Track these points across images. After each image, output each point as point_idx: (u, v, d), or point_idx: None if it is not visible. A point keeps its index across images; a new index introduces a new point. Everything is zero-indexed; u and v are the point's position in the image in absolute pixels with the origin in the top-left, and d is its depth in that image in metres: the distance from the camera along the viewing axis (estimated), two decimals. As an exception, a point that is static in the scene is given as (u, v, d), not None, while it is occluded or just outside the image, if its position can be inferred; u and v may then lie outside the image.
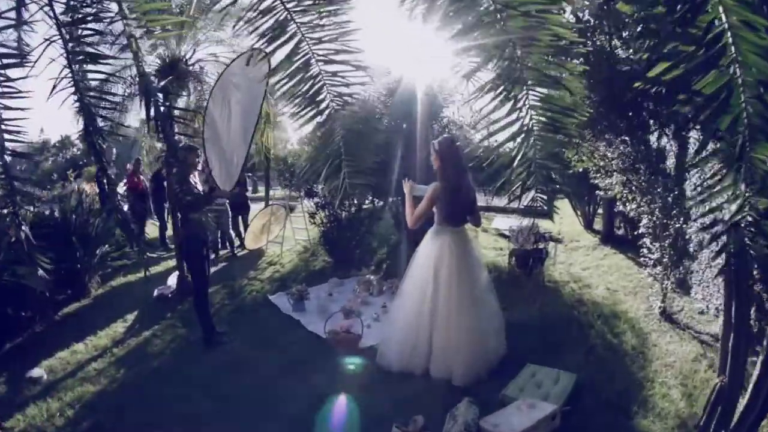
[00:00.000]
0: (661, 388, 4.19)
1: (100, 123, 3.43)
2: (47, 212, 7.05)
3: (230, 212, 9.86)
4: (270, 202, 11.73)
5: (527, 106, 1.92)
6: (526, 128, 2.01)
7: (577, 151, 5.98)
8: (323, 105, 2.85)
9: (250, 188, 22.04)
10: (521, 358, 4.55)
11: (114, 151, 9.87)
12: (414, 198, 4.52)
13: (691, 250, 5.74)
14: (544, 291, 6.84)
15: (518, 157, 2.03)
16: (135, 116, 9.24)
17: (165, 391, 4.43)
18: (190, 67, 7.73)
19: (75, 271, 6.75)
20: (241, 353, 5.11)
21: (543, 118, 1.99)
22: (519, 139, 2.07)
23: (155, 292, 6.87)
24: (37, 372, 4.81)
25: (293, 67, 2.59)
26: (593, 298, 6.47)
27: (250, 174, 22.25)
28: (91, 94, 3.37)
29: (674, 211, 5.28)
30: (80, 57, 2.97)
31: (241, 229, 10.34)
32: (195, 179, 5.27)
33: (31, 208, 6.61)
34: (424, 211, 4.41)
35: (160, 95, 3.43)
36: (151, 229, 11.82)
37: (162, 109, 3.29)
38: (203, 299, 5.33)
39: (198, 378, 4.64)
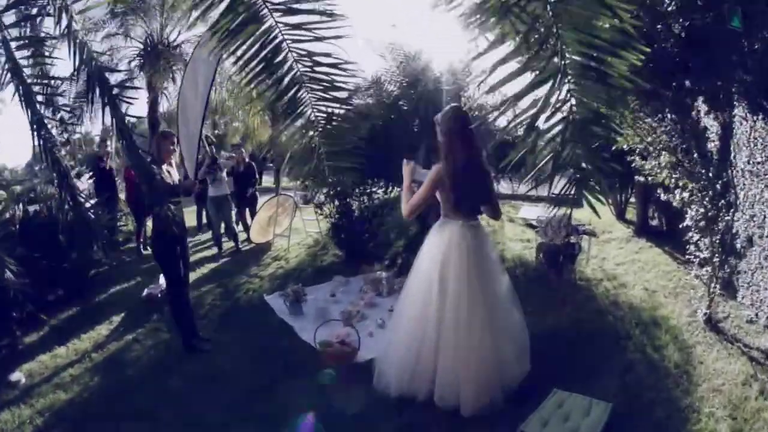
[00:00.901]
0: (708, 421, 3.66)
1: (43, 111, 3.15)
2: (35, 209, 6.98)
3: (236, 203, 9.76)
4: (280, 193, 11.47)
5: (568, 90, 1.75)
6: (566, 115, 1.87)
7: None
8: (284, 68, 2.49)
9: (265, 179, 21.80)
10: (546, 381, 3.95)
11: (109, 144, 9.67)
12: (415, 184, 3.92)
13: (739, 246, 5.21)
14: (575, 291, 6.32)
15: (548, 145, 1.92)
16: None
17: (135, 403, 4.26)
18: (174, 51, 7.38)
19: (64, 271, 6.64)
20: (222, 364, 4.84)
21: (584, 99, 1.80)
22: (559, 127, 1.94)
23: (144, 293, 6.73)
24: (16, 376, 4.84)
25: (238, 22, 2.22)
26: (630, 301, 5.95)
27: (271, 164, 22.07)
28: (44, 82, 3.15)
29: (722, 201, 4.72)
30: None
31: (250, 221, 10.14)
32: (171, 168, 5.02)
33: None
34: (423, 199, 3.75)
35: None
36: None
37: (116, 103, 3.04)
38: (179, 304, 5.08)
39: (171, 391, 4.41)
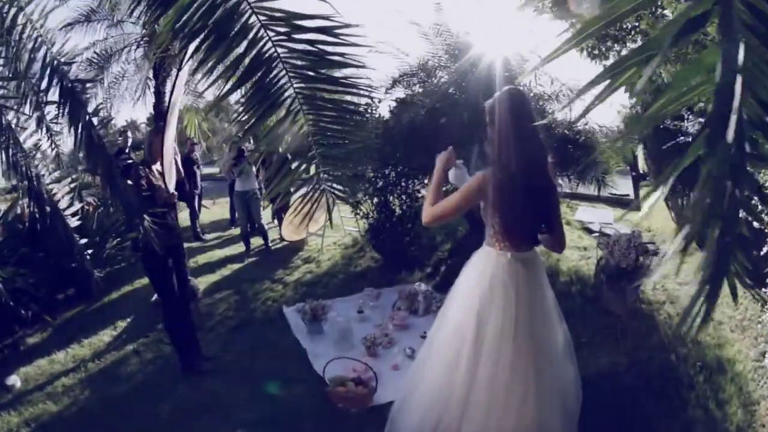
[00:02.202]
0: None
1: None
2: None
3: (264, 197, 9.55)
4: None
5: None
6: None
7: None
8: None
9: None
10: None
11: (129, 135, 9.54)
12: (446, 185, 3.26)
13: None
14: (635, 318, 5.66)
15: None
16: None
17: (119, 429, 4.20)
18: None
19: (74, 269, 6.54)
20: (219, 391, 4.61)
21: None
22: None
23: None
24: (12, 379, 4.96)
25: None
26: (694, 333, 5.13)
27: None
28: None
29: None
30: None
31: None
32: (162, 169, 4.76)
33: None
34: (453, 210, 2.98)
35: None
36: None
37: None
38: (174, 325, 4.88)
39: (159, 418, 4.28)
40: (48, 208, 3.30)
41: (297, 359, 5.12)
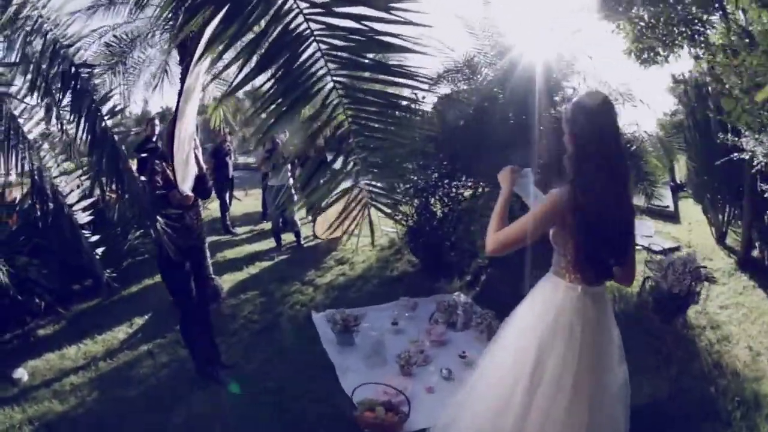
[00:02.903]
0: None
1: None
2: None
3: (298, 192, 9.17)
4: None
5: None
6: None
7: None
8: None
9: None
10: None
11: (157, 123, 9.41)
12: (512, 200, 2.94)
13: None
14: (679, 344, 5.47)
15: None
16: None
17: None
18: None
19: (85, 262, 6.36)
20: (234, 403, 4.38)
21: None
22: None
23: None
24: (19, 372, 4.91)
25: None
26: (733, 363, 5.12)
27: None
28: None
29: None
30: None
31: None
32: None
33: None
34: (524, 235, 2.64)
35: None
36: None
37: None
38: (190, 330, 4.64)
39: (169, 428, 4.11)
40: (51, 205, 3.02)
41: (324, 372, 4.87)
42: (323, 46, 1.74)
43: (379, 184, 2.16)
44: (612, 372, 2.85)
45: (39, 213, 2.81)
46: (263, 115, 1.77)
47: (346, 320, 5.30)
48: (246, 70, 1.75)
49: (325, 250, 8.87)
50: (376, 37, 1.78)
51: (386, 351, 5.02)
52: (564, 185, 2.59)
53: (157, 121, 9.46)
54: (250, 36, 1.73)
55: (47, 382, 4.81)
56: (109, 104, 2.84)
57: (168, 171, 4.19)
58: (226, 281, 7.13)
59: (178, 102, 2.95)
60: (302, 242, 9.11)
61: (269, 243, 9.28)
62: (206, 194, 4.71)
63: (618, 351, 2.90)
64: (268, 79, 1.81)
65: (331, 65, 1.77)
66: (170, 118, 4.44)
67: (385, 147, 2.04)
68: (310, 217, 9.98)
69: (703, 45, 7.67)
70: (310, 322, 5.91)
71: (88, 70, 2.68)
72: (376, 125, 1.98)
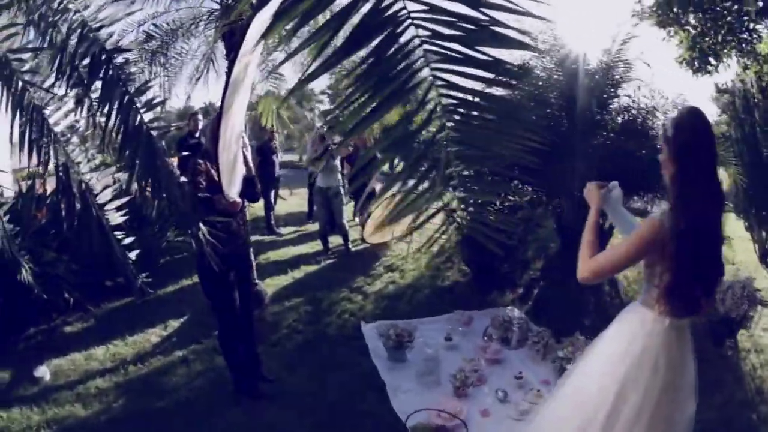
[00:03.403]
0: None
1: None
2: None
3: (351, 196, 9.47)
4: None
5: None
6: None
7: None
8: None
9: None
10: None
11: (200, 118, 9.21)
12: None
13: None
14: (728, 369, 5.35)
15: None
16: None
17: None
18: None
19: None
20: (276, 422, 4.10)
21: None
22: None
23: None
24: (41, 370, 4.77)
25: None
26: None
27: None
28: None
29: None
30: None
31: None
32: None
33: None
34: (621, 265, 2.62)
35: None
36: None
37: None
38: (230, 340, 4.29)
39: None
40: (78, 205, 2.71)
41: (373, 389, 4.62)
42: (424, 32, 1.35)
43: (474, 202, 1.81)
44: (687, 407, 2.81)
45: (64, 213, 2.51)
46: (348, 111, 1.39)
47: (400, 336, 5.02)
48: (322, 56, 1.36)
49: (374, 256, 8.71)
50: (493, 27, 1.36)
51: (440, 369, 4.78)
52: (663, 209, 2.53)
53: (200, 116, 9.34)
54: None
55: (70, 384, 4.63)
56: (147, 96, 2.54)
57: (212, 171, 3.87)
58: (270, 286, 6.89)
59: (224, 95, 2.56)
60: (350, 246, 8.91)
61: (315, 245, 9.16)
62: (255, 198, 4.36)
63: (694, 385, 2.85)
64: (357, 68, 1.43)
65: (431, 57, 1.39)
66: (214, 114, 4.08)
67: (486, 158, 1.67)
68: (357, 220, 9.86)
69: (751, 55, 8.01)
70: (359, 333, 5.64)
71: (123, 56, 2.33)
72: (480, 133, 1.60)
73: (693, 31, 8.30)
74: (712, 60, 8.43)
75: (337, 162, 8.74)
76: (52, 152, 2.59)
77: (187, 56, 9.77)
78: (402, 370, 4.90)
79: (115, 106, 2.15)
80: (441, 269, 7.92)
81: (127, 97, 2.20)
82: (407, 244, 8.75)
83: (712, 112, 22.43)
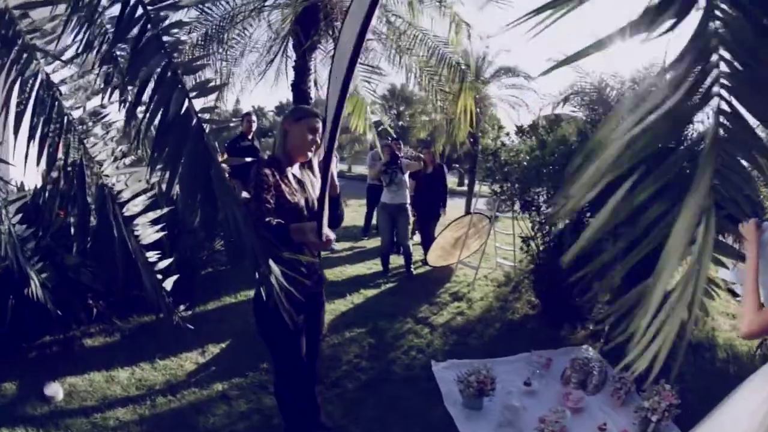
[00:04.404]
0: None
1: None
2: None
3: (415, 214, 9.10)
4: (472, 210, 11.09)
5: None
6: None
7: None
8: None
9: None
10: None
11: (254, 119, 9.11)
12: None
13: None
14: None
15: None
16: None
17: None
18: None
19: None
20: None
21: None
22: None
23: None
24: (53, 389, 4.38)
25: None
26: None
27: (456, 165, 21.79)
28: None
29: None
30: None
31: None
32: (306, 176, 3.35)
33: None
34: None
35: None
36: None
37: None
38: (288, 390, 3.49)
39: None
40: (93, 219, 2.10)
41: None
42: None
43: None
44: None
45: (73, 230, 1.94)
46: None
47: (482, 383, 4.46)
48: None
49: (436, 280, 8.34)
50: None
51: (521, 419, 4.34)
52: None
53: (254, 117, 9.14)
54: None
55: (86, 410, 4.15)
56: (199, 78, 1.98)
57: (283, 184, 3.03)
58: (328, 312, 6.18)
59: (343, 94, 1.85)
60: (411, 269, 8.46)
61: (372, 265, 8.85)
62: (339, 221, 3.48)
63: None
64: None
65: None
66: (286, 115, 3.39)
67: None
68: (417, 239, 9.87)
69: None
70: (429, 373, 5.05)
71: (163, 14, 1.66)
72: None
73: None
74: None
75: (406, 177, 8.36)
76: (62, 145, 2.01)
77: (247, 47, 9.33)
78: (479, 420, 4.45)
79: (153, 78, 1.53)
80: (509, 300, 7.54)
81: (170, 71, 1.57)
82: (474, 270, 8.35)
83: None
